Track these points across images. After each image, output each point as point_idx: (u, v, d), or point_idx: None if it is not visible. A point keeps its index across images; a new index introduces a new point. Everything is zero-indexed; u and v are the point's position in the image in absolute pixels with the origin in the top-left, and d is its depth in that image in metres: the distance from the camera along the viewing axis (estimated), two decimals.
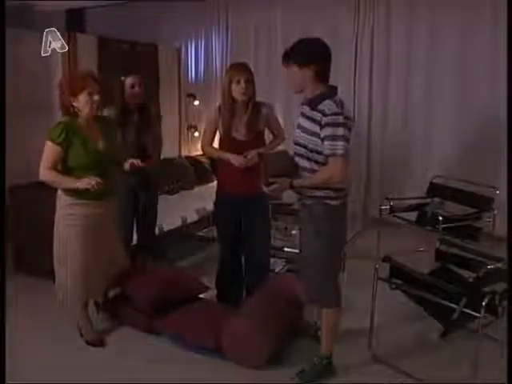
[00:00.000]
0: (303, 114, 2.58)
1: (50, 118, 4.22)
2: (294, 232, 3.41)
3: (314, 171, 2.54)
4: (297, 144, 2.62)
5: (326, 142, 2.44)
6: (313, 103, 2.51)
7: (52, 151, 2.82)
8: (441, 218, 4.00)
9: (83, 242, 2.95)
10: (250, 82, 3.13)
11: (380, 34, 5.47)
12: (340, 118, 2.42)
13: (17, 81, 4.86)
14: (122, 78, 3.60)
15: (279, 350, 2.97)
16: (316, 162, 2.53)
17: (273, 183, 2.55)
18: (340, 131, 2.41)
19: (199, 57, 6.61)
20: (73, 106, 2.85)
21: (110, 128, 3.13)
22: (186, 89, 6.36)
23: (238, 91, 3.10)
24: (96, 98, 2.85)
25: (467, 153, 5.21)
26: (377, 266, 2.90)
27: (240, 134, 3.18)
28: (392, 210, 4.33)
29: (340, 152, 2.41)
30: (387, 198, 4.40)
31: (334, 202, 2.57)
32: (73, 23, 6.37)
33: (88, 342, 3.14)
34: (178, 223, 4.59)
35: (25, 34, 4.80)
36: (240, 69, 3.17)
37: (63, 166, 2.89)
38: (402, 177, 5.54)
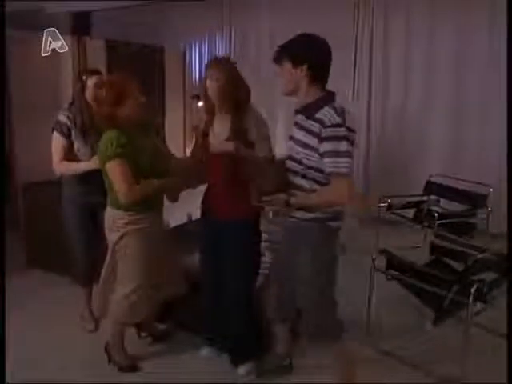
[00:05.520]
0: (297, 124, 2.23)
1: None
2: None
3: (313, 191, 2.18)
4: (290, 159, 2.25)
5: (326, 159, 2.08)
6: (308, 111, 2.15)
7: (123, 167, 2.44)
8: (436, 215, 4.15)
9: (144, 260, 2.63)
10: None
11: (378, 35, 5.59)
12: (342, 131, 2.05)
13: (26, 82, 5.01)
14: (84, 77, 3.01)
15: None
16: (315, 181, 2.18)
17: (266, 201, 2.20)
18: (343, 146, 2.05)
19: (203, 59, 6.78)
20: (117, 116, 2.46)
21: (152, 135, 2.78)
22: (190, 90, 6.54)
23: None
24: (143, 99, 2.53)
25: (464, 151, 5.34)
26: (374, 256, 3.05)
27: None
28: (390, 208, 4.48)
29: (344, 170, 2.06)
30: (385, 196, 4.56)
31: (335, 224, 2.24)
32: (80, 26, 6.50)
33: (121, 368, 2.82)
34: (183, 220, 4.72)
35: (34, 36, 4.95)
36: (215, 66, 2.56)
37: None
38: (399, 175, 5.64)
